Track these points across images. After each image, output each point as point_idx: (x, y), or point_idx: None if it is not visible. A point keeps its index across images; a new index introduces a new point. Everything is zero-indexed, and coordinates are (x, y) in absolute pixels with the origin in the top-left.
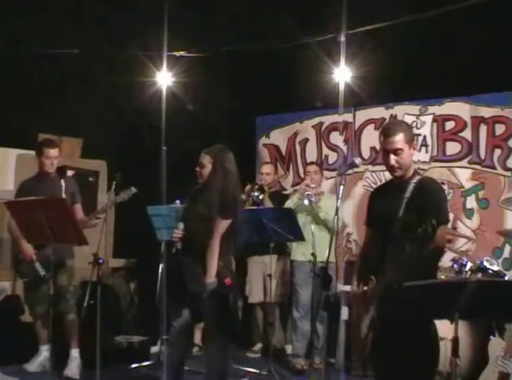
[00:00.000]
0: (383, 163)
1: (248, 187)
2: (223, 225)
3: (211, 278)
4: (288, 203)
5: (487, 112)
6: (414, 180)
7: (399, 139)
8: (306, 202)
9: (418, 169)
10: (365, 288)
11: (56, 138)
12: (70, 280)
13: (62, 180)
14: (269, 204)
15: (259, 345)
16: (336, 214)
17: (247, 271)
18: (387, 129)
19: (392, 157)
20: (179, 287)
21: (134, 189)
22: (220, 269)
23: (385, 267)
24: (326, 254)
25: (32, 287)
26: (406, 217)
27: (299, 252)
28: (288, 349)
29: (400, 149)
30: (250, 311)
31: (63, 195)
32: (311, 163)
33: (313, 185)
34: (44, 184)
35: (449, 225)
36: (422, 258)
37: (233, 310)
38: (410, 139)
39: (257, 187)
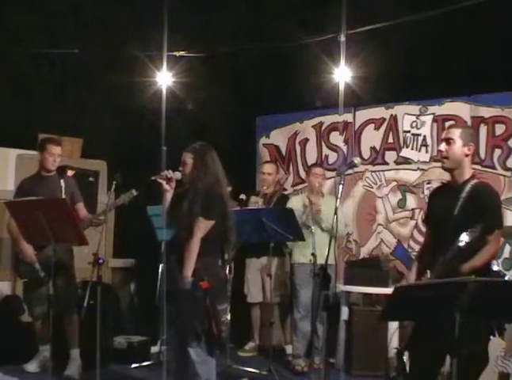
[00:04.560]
0: (382, 163)
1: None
2: (205, 225)
3: (185, 278)
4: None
5: (487, 112)
6: (471, 183)
7: (454, 131)
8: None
9: (418, 169)
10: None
11: (57, 138)
12: (70, 281)
13: (61, 180)
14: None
15: (251, 344)
16: (335, 213)
17: (245, 271)
18: (450, 125)
19: (443, 144)
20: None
21: (135, 192)
22: (197, 271)
23: (439, 264)
24: (326, 254)
25: (31, 288)
26: (461, 216)
27: (300, 253)
28: (288, 349)
29: (451, 139)
30: (248, 311)
31: (63, 196)
32: (316, 165)
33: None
34: (44, 183)
35: None
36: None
37: (206, 315)
38: (467, 138)
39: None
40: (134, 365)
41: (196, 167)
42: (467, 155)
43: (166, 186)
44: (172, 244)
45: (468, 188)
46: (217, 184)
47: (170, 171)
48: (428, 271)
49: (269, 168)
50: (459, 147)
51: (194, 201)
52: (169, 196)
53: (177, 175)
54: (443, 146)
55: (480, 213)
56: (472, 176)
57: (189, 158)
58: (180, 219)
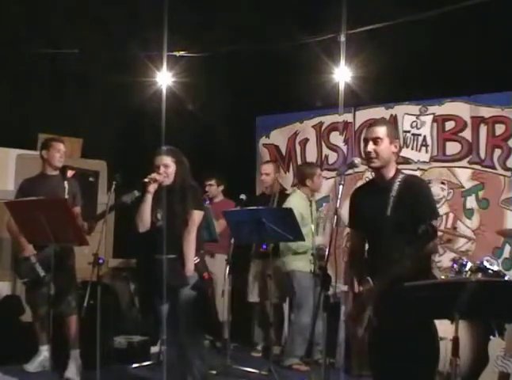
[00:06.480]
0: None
1: None
2: (199, 217)
3: (190, 271)
4: None
5: (487, 112)
6: (399, 179)
7: (380, 130)
8: None
9: (418, 169)
10: (361, 288)
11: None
12: (71, 281)
13: (65, 182)
14: None
15: (261, 344)
16: (335, 213)
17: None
18: (372, 122)
19: (370, 144)
20: (160, 284)
21: (137, 192)
22: (198, 263)
23: (382, 268)
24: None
25: (31, 288)
26: (395, 215)
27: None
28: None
29: (379, 138)
30: (252, 311)
31: (66, 196)
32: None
33: None
34: (47, 182)
35: (449, 225)
36: (421, 257)
37: (211, 305)
38: (393, 135)
39: None
40: (134, 365)
41: (181, 169)
42: (393, 152)
43: (151, 188)
44: (159, 244)
45: (396, 185)
46: (194, 182)
47: (156, 174)
48: (369, 279)
49: (267, 168)
50: (386, 145)
51: (185, 197)
52: (150, 197)
53: (160, 177)
54: (370, 147)
55: (414, 207)
56: (397, 172)
57: (169, 161)
58: (174, 217)
